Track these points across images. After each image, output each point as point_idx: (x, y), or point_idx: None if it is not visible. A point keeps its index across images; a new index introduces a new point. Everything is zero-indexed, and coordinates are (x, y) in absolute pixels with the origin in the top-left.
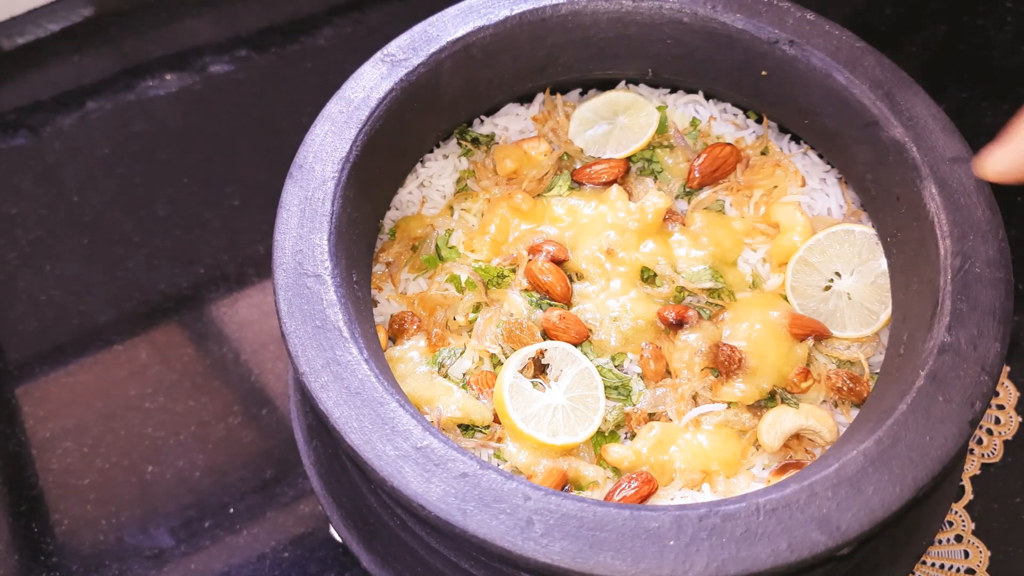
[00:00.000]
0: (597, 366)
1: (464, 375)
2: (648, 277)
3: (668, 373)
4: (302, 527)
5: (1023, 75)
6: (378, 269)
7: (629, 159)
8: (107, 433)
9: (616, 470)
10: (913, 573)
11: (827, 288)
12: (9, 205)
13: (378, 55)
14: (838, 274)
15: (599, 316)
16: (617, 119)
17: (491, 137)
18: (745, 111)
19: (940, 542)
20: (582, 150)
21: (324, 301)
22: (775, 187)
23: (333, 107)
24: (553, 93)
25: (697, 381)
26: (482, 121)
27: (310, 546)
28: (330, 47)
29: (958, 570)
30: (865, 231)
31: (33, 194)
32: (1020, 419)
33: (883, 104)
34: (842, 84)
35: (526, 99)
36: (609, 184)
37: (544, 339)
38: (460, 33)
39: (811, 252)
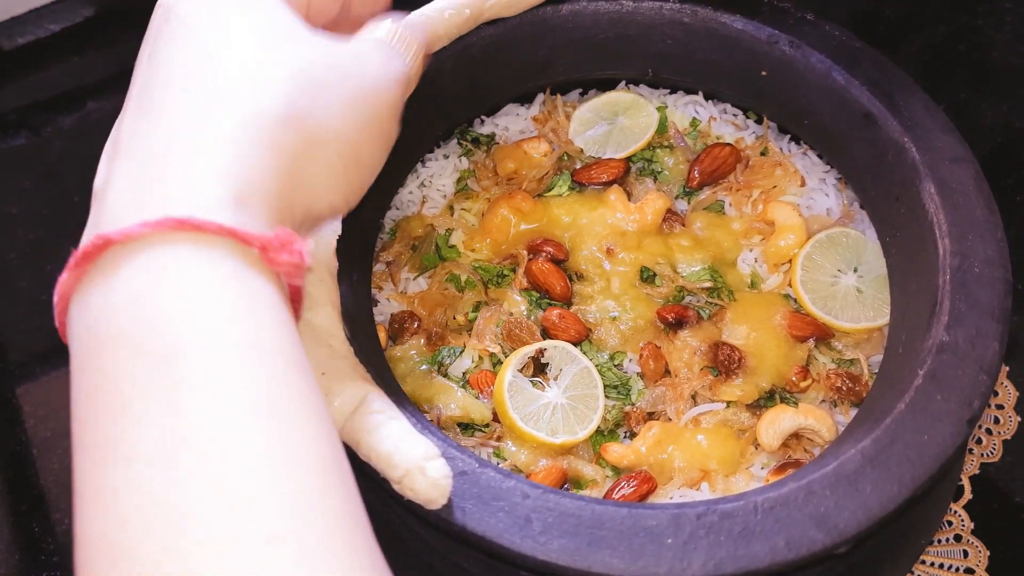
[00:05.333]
0: (596, 365)
1: (464, 374)
2: (648, 277)
3: (667, 372)
4: None
5: (1023, 75)
6: (378, 268)
7: (629, 159)
8: None
9: (615, 469)
10: (912, 572)
11: (836, 282)
12: (10, 205)
13: None
14: (841, 270)
15: (599, 315)
16: (617, 119)
17: (491, 137)
18: (745, 111)
19: (939, 541)
20: (582, 150)
21: None
22: (774, 187)
23: None
24: (553, 93)
25: (696, 380)
26: (482, 121)
27: None
28: None
29: (957, 569)
30: (859, 234)
31: (34, 194)
32: (1020, 419)
33: (882, 104)
34: (841, 84)
35: (526, 99)
36: (609, 184)
37: (544, 338)
38: None
39: (817, 249)
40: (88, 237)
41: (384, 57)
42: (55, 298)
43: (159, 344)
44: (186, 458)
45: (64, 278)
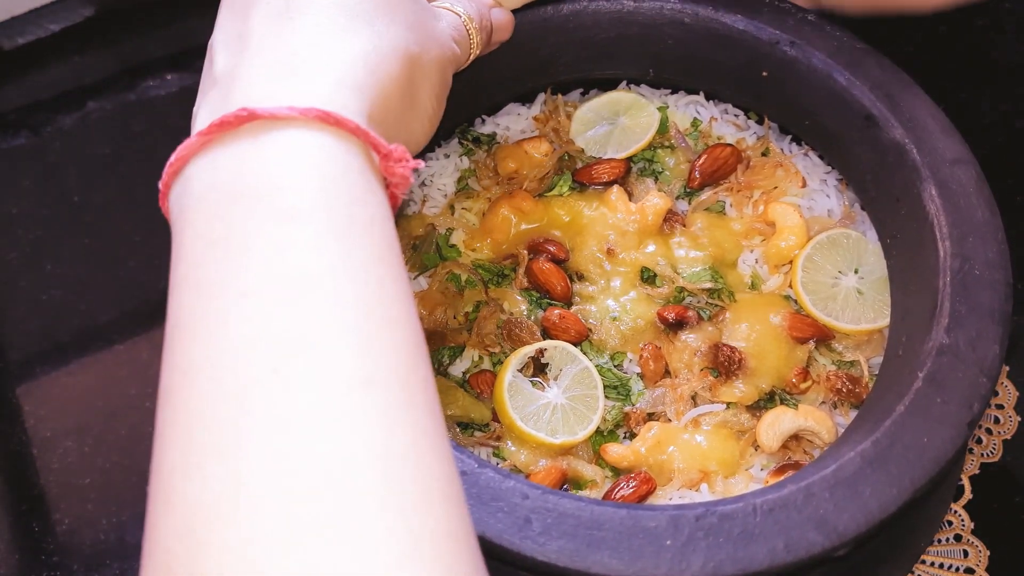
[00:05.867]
0: (596, 365)
1: (464, 374)
2: (648, 277)
3: (667, 373)
4: None
5: (1023, 75)
6: None
7: (630, 159)
8: (108, 432)
9: (615, 469)
10: (912, 572)
11: (836, 284)
12: (10, 205)
13: None
14: (842, 272)
15: (599, 315)
16: (618, 119)
17: (492, 137)
18: (746, 112)
19: (939, 541)
20: (583, 150)
21: None
22: (775, 188)
23: None
24: (554, 93)
25: (696, 381)
26: (483, 121)
27: None
28: None
29: (957, 569)
30: (860, 235)
31: (34, 194)
32: (1020, 419)
33: (883, 105)
34: (842, 85)
35: (527, 99)
36: (610, 184)
37: (544, 338)
38: None
39: (818, 250)
40: (223, 110)
41: (452, 41)
42: (172, 157)
43: (290, 205)
44: (295, 299)
45: (192, 140)
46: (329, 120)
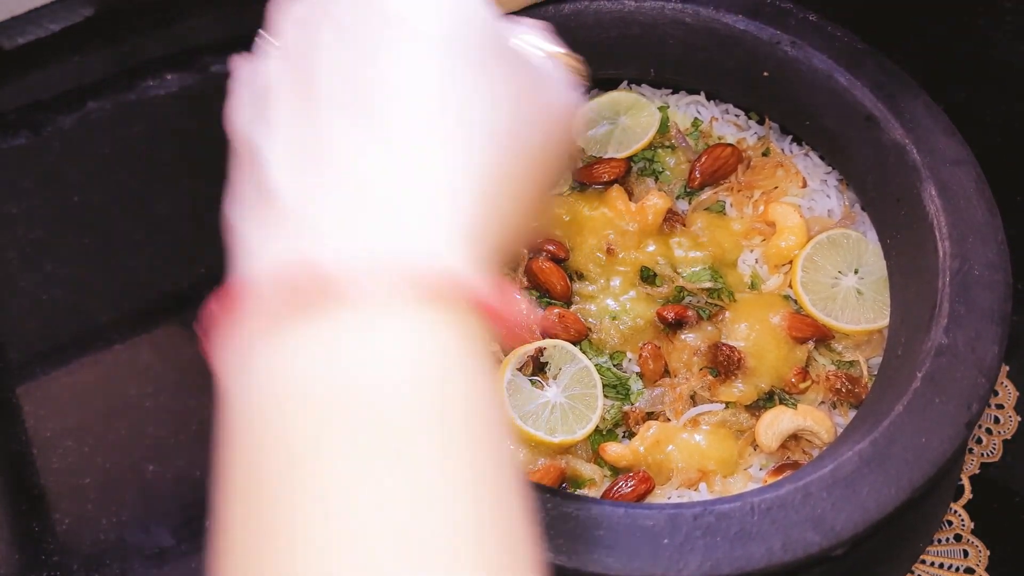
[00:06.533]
0: (596, 365)
1: None
2: (648, 277)
3: (667, 372)
4: None
5: (1023, 75)
6: None
7: (630, 159)
8: (108, 432)
9: (614, 468)
10: (912, 572)
11: (836, 284)
12: (10, 205)
13: None
14: (842, 272)
15: (599, 315)
16: (619, 119)
17: None
18: (747, 112)
19: (939, 541)
20: (583, 149)
21: None
22: (775, 188)
23: None
24: None
25: (696, 381)
26: None
27: None
28: None
29: (957, 569)
30: (860, 235)
31: (34, 194)
32: (1020, 418)
33: (884, 105)
34: (843, 85)
35: None
36: (610, 184)
37: (543, 337)
38: None
39: (818, 250)
40: (301, 275)
41: (562, 82)
42: (224, 311)
43: (399, 423)
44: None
45: (260, 315)
46: (446, 297)
